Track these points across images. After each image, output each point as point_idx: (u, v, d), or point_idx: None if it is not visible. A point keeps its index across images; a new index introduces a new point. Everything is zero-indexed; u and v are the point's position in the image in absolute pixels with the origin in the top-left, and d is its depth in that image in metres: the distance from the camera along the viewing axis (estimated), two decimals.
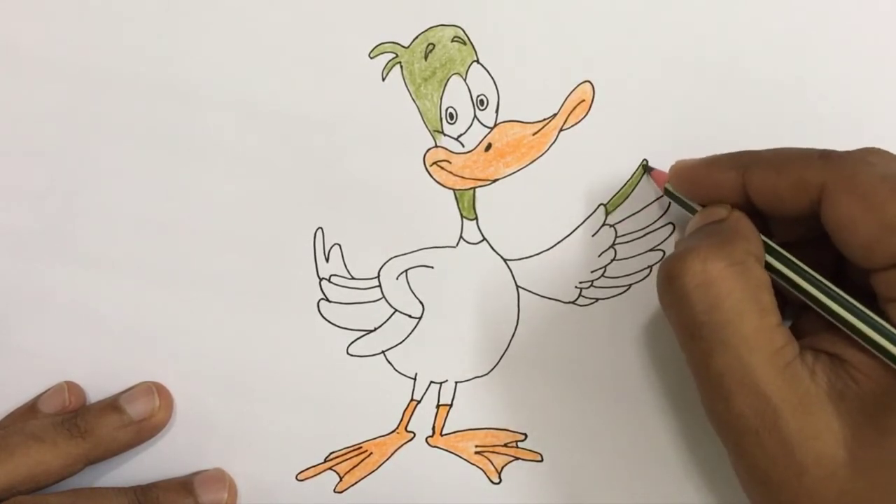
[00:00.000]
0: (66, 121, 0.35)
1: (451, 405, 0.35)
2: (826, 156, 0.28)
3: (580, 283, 0.35)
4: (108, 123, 0.35)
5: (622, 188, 0.34)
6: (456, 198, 0.34)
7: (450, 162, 0.34)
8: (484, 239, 0.35)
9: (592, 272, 0.34)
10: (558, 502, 0.35)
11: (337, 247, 0.35)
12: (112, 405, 0.34)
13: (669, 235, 0.34)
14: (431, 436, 0.35)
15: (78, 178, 0.35)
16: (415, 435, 0.35)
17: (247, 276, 0.35)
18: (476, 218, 0.35)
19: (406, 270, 0.35)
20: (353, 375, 0.35)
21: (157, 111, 0.35)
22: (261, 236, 0.35)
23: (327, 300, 0.35)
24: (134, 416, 0.34)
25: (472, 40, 0.34)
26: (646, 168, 0.34)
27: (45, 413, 0.35)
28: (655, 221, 0.34)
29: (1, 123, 0.35)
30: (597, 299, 0.35)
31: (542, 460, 0.35)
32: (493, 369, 0.35)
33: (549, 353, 0.35)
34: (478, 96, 0.34)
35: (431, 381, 0.35)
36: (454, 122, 0.34)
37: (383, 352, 0.35)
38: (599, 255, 0.34)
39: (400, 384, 0.35)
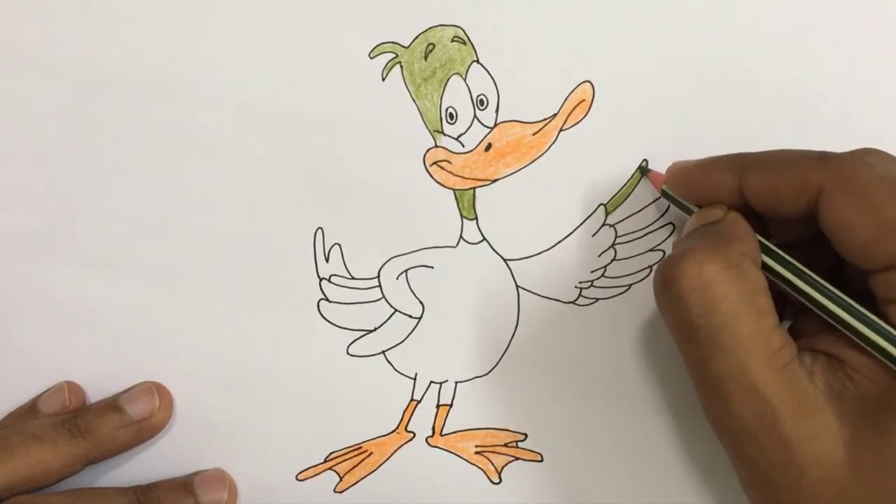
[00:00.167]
0: (66, 121, 0.35)
1: (451, 405, 0.35)
2: (824, 157, 0.28)
3: (580, 283, 0.35)
4: (108, 123, 0.35)
5: (622, 188, 0.34)
6: (456, 198, 0.34)
7: (450, 162, 0.34)
8: (484, 239, 0.35)
9: (592, 272, 0.34)
10: (558, 502, 0.35)
11: (337, 247, 0.35)
12: (112, 405, 0.34)
13: (669, 236, 0.34)
14: (431, 436, 0.35)
15: (78, 178, 0.35)
16: (415, 435, 0.35)
17: (247, 276, 0.35)
18: (476, 218, 0.35)
19: (406, 270, 0.35)
20: (353, 375, 0.35)
21: (157, 111, 0.35)
22: (261, 236, 0.35)
23: (327, 300, 0.35)
24: (134, 416, 0.34)
25: (472, 40, 0.34)
26: (643, 170, 0.34)
27: (45, 413, 0.35)
28: (655, 221, 0.34)
29: (1, 123, 0.35)
30: (597, 299, 0.35)
31: (542, 460, 0.35)
32: (493, 369, 0.35)
33: (549, 353, 0.35)
34: (478, 96, 0.34)
35: (431, 381, 0.35)
36: (454, 122, 0.34)
37: (383, 352, 0.35)
38: (599, 255, 0.34)
39: (400, 384, 0.35)
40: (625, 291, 0.34)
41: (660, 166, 0.34)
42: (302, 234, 0.35)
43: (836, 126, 0.33)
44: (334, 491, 0.35)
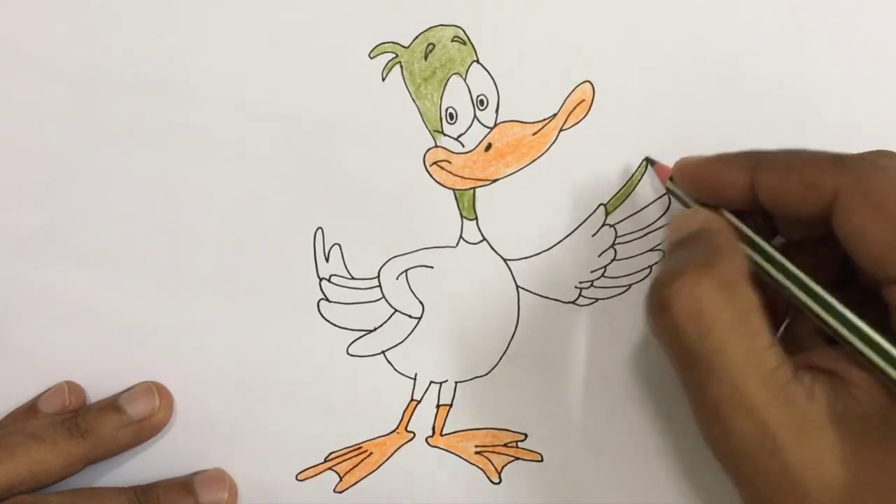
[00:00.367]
0: (66, 121, 0.35)
1: (451, 405, 0.35)
2: (839, 160, 0.27)
3: (580, 283, 0.35)
4: (108, 123, 0.35)
5: (622, 188, 0.34)
6: (456, 198, 0.34)
7: (450, 162, 0.34)
8: (484, 239, 0.35)
9: (592, 272, 0.34)
10: (558, 502, 0.35)
11: (337, 247, 0.35)
12: (112, 405, 0.34)
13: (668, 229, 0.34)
14: (431, 436, 0.35)
15: (78, 178, 0.35)
16: (415, 435, 0.35)
17: (247, 276, 0.35)
18: (476, 218, 0.35)
19: (406, 270, 0.35)
20: (353, 375, 0.35)
21: (157, 111, 0.35)
22: (261, 236, 0.35)
23: (327, 300, 0.35)
24: (134, 416, 0.34)
25: (472, 40, 0.34)
26: (649, 161, 0.33)
27: (45, 413, 0.35)
28: (655, 221, 0.34)
29: (1, 123, 0.35)
30: (597, 299, 0.35)
31: (542, 460, 0.35)
32: (493, 369, 0.35)
33: (549, 353, 0.35)
34: (478, 96, 0.34)
35: (431, 381, 0.35)
36: (454, 122, 0.34)
37: (383, 352, 0.35)
38: (599, 255, 0.34)
39: (400, 384, 0.35)
40: (625, 291, 0.34)
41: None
42: (302, 234, 0.35)
43: (836, 126, 0.33)
44: (334, 491, 0.35)
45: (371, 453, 0.35)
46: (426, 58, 0.34)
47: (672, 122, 0.34)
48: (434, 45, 0.34)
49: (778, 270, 0.28)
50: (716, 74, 0.34)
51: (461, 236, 0.35)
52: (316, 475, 0.35)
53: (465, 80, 0.34)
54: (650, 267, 0.34)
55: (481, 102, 0.34)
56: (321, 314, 0.35)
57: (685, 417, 0.34)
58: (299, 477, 0.35)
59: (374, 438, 0.35)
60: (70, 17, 0.35)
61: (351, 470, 0.35)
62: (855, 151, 0.33)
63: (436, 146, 0.34)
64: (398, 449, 0.35)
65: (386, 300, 0.35)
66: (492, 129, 0.34)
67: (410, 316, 0.35)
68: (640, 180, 0.34)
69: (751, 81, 0.34)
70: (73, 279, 0.35)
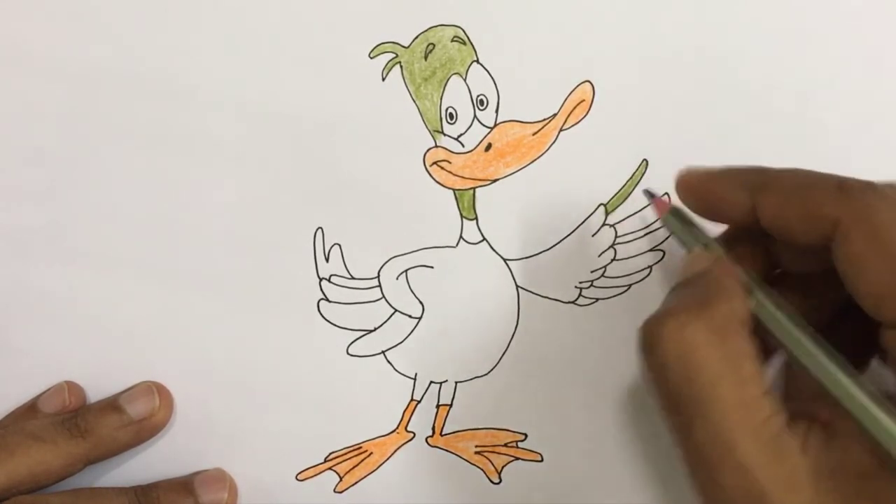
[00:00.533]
0: (66, 121, 0.35)
1: (450, 405, 0.35)
2: (843, 187, 0.26)
3: (580, 283, 0.35)
4: (108, 123, 0.35)
5: (622, 188, 0.34)
6: (456, 198, 0.34)
7: (450, 162, 0.34)
8: (484, 239, 0.35)
9: (592, 272, 0.34)
10: (558, 502, 0.35)
11: (337, 247, 0.35)
12: (112, 405, 0.34)
13: (669, 235, 0.34)
14: (431, 436, 0.35)
15: (78, 178, 0.35)
16: (415, 435, 0.35)
17: (247, 276, 0.35)
18: (476, 218, 0.35)
19: (406, 270, 0.35)
20: (353, 375, 0.35)
21: (157, 111, 0.35)
22: (261, 236, 0.35)
23: (327, 300, 0.35)
24: (134, 416, 0.34)
25: (472, 40, 0.34)
26: (648, 194, 0.32)
27: (45, 413, 0.35)
28: (655, 221, 0.34)
29: (1, 123, 0.35)
30: (597, 299, 0.35)
31: (542, 460, 0.35)
32: (493, 369, 0.35)
33: (549, 353, 0.35)
34: (478, 96, 0.34)
35: (431, 381, 0.35)
36: (454, 122, 0.34)
37: (383, 352, 0.35)
38: (599, 255, 0.34)
39: (400, 384, 0.35)
40: (625, 291, 0.34)
41: (659, 166, 0.34)
42: (302, 234, 0.35)
43: (836, 125, 0.33)
44: (334, 491, 0.35)
45: (371, 453, 0.35)
46: (426, 58, 0.34)
47: (672, 122, 0.34)
48: (434, 45, 0.34)
49: (772, 320, 0.27)
50: (716, 74, 0.34)
51: (461, 236, 0.35)
52: (316, 475, 0.35)
53: (465, 80, 0.34)
54: (650, 267, 0.34)
55: (481, 102, 0.34)
56: (321, 314, 0.35)
57: None
58: (299, 477, 0.35)
59: (374, 438, 0.35)
60: (70, 17, 0.35)
61: (351, 470, 0.35)
62: (854, 152, 0.34)
63: (436, 146, 0.34)
64: (398, 449, 0.35)
65: (386, 300, 0.35)
66: (492, 129, 0.34)
67: (410, 316, 0.35)
68: (640, 180, 0.34)
69: (751, 81, 0.34)
70: (73, 279, 0.35)
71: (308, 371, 0.35)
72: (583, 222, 0.34)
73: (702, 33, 0.34)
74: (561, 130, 0.34)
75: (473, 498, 0.35)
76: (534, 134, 0.34)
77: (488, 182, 0.34)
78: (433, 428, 0.35)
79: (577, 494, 0.35)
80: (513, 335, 0.35)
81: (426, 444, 0.35)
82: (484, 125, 0.34)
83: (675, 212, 0.30)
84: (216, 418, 0.35)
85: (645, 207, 0.34)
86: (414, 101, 0.34)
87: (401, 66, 0.34)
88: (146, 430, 0.35)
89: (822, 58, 0.33)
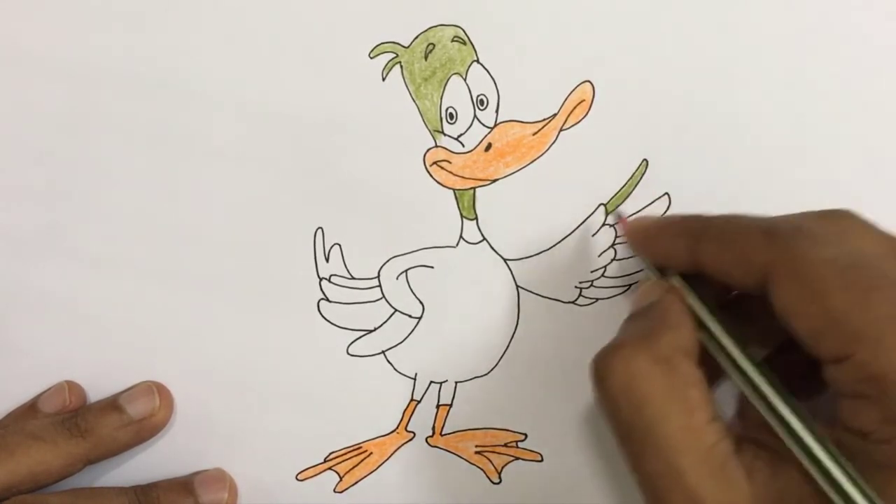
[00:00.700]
0: (66, 121, 0.35)
1: (450, 405, 0.35)
2: (770, 233, 0.26)
3: (580, 283, 0.35)
4: (108, 123, 0.35)
5: (622, 188, 0.34)
6: (456, 198, 0.34)
7: (450, 162, 0.34)
8: (484, 239, 0.35)
9: (592, 272, 0.34)
10: (558, 502, 0.35)
11: (337, 247, 0.35)
12: (112, 405, 0.34)
13: None
14: (431, 436, 0.35)
15: (78, 178, 0.35)
16: (415, 435, 0.35)
17: (247, 276, 0.35)
18: (476, 218, 0.35)
19: (406, 270, 0.35)
20: (353, 375, 0.35)
21: (157, 111, 0.35)
22: (261, 236, 0.35)
23: (327, 300, 0.35)
24: (134, 416, 0.34)
25: (472, 40, 0.34)
26: (617, 217, 0.33)
27: (45, 413, 0.35)
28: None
29: (1, 123, 0.35)
30: (597, 299, 0.35)
31: (542, 460, 0.35)
32: (493, 369, 0.35)
33: (549, 353, 0.35)
34: (478, 96, 0.34)
35: (431, 381, 0.35)
36: (454, 122, 0.34)
37: (383, 352, 0.35)
38: (599, 255, 0.34)
39: (400, 384, 0.35)
40: (625, 291, 0.34)
41: (659, 166, 0.34)
42: (302, 234, 0.35)
43: (836, 126, 0.33)
44: (334, 491, 0.35)
45: (371, 453, 0.35)
46: (426, 58, 0.34)
47: (672, 122, 0.34)
48: (434, 45, 0.34)
49: (717, 350, 0.28)
50: (716, 74, 0.34)
51: (461, 236, 0.35)
52: (316, 475, 0.35)
53: (465, 79, 0.34)
54: None
55: (481, 102, 0.34)
56: (321, 314, 0.35)
57: None
58: (299, 477, 0.35)
59: (374, 438, 0.35)
60: (70, 17, 0.35)
61: (351, 470, 0.35)
62: (854, 153, 0.34)
63: (436, 146, 0.34)
64: (398, 449, 0.35)
65: (386, 300, 0.35)
66: (492, 128, 0.34)
67: (410, 316, 0.35)
68: (640, 180, 0.34)
69: (751, 81, 0.33)
70: (74, 279, 0.35)
71: (308, 371, 0.35)
72: (583, 222, 0.34)
73: (702, 33, 0.33)
74: (561, 130, 0.34)
75: (473, 498, 0.35)
76: (534, 134, 0.34)
77: (488, 182, 0.34)
78: (433, 428, 0.35)
79: (577, 494, 0.35)
80: (513, 335, 0.35)
81: (426, 444, 0.35)
82: (484, 125, 0.34)
83: None
84: (216, 418, 0.35)
85: (645, 207, 0.34)
86: (414, 101, 0.34)
87: (401, 66, 0.34)
88: (146, 429, 0.35)
89: (823, 58, 0.33)
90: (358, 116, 0.34)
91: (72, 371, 0.36)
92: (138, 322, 0.35)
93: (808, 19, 0.33)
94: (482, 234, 0.35)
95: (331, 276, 0.35)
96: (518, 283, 0.35)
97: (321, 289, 0.35)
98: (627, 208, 0.34)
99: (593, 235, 0.34)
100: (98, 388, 0.35)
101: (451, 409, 0.35)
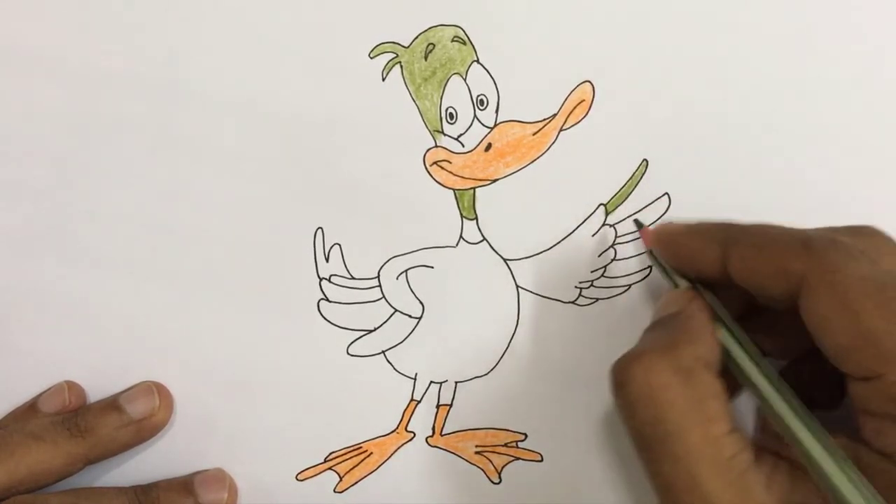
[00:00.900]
0: (66, 121, 0.35)
1: (451, 405, 0.35)
2: (807, 244, 0.26)
3: (580, 283, 0.35)
4: (108, 123, 0.35)
5: (622, 188, 0.34)
6: (456, 198, 0.34)
7: (450, 162, 0.34)
8: (484, 239, 0.35)
9: (592, 272, 0.34)
10: (558, 502, 0.35)
11: (337, 247, 0.35)
12: (112, 405, 0.34)
13: None
14: (431, 436, 0.35)
15: (78, 178, 0.35)
16: (415, 435, 0.35)
17: (247, 276, 0.35)
18: (476, 218, 0.35)
19: (406, 270, 0.35)
20: (353, 375, 0.35)
21: (157, 111, 0.35)
22: (261, 236, 0.35)
23: (327, 300, 0.35)
24: (134, 416, 0.34)
25: (472, 40, 0.34)
26: (637, 224, 0.33)
27: (45, 412, 0.35)
28: (655, 221, 0.34)
29: (1, 123, 0.35)
30: (597, 299, 0.35)
31: (542, 460, 0.35)
32: (493, 369, 0.35)
33: (549, 353, 0.35)
34: (478, 96, 0.34)
35: (431, 381, 0.35)
36: (454, 122, 0.34)
37: (383, 352, 0.35)
38: (599, 255, 0.34)
39: (400, 384, 0.35)
40: (625, 291, 0.34)
41: (659, 166, 0.34)
42: (302, 234, 0.35)
43: (836, 126, 0.33)
44: (334, 491, 0.35)
45: (371, 453, 0.35)
46: (426, 58, 0.34)
47: (672, 122, 0.34)
48: (434, 45, 0.34)
49: (736, 362, 0.28)
50: (716, 74, 0.34)
51: (461, 236, 0.35)
52: (316, 475, 0.35)
53: (465, 80, 0.34)
54: (650, 267, 0.34)
55: (481, 102, 0.34)
56: (321, 314, 0.35)
57: None
58: (299, 477, 0.35)
59: (374, 438, 0.35)
60: (70, 17, 0.35)
61: (351, 470, 0.35)
62: (853, 153, 0.34)
63: (436, 146, 0.34)
64: (398, 449, 0.35)
65: (386, 300, 0.35)
66: (492, 128, 0.34)
67: (410, 316, 0.35)
68: (640, 180, 0.34)
69: (751, 81, 0.34)
70: (74, 279, 0.35)
71: (308, 371, 0.35)
72: (583, 222, 0.34)
73: (702, 33, 0.34)
74: (561, 130, 0.34)
75: (473, 498, 0.35)
76: (534, 134, 0.34)
77: (488, 182, 0.34)
78: (433, 428, 0.35)
79: (577, 494, 0.35)
80: (513, 335, 0.35)
81: (426, 444, 0.35)
82: (484, 125, 0.34)
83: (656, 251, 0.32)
84: (216, 418, 0.35)
85: (645, 207, 0.34)
86: (414, 101, 0.34)
87: (401, 66, 0.34)
88: (146, 429, 0.35)
89: (823, 58, 0.33)
90: (358, 116, 0.34)
91: (72, 371, 0.36)
92: (138, 322, 0.35)
93: (808, 20, 0.33)
94: (482, 234, 0.35)
95: (331, 276, 0.35)
96: (518, 283, 0.35)
97: (321, 289, 0.35)
98: (627, 208, 0.34)
99: (593, 235, 0.34)
100: (98, 388, 0.35)
101: (451, 409, 0.35)
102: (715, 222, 0.30)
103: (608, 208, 0.34)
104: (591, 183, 0.34)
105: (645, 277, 0.34)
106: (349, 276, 0.35)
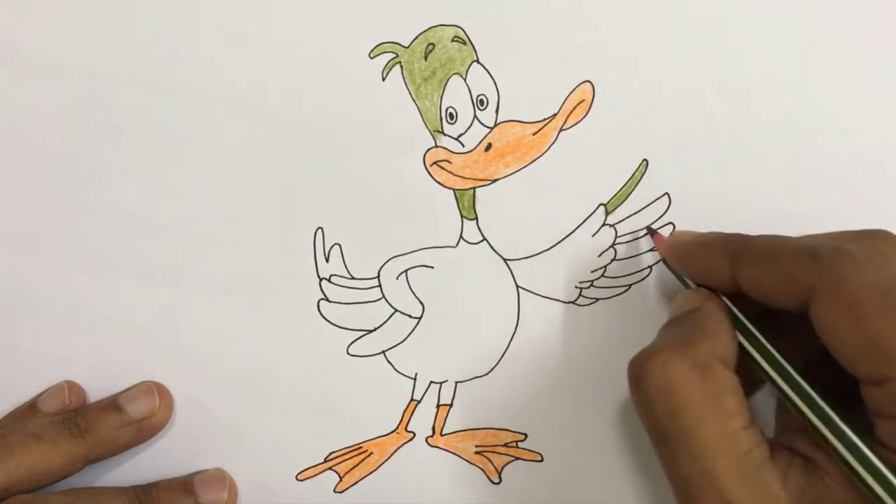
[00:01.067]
0: (66, 121, 0.35)
1: (451, 405, 0.35)
2: (814, 255, 0.27)
3: (580, 283, 0.35)
4: (109, 123, 0.35)
5: (622, 188, 0.34)
6: (456, 198, 0.34)
7: (450, 162, 0.34)
8: (484, 239, 0.35)
9: (592, 272, 0.34)
10: (558, 502, 0.35)
11: (337, 247, 0.35)
12: (112, 404, 0.34)
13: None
14: (431, 436, 0.35)
15: (78, 178, 0.35)
16: (415, 435, 0.35)
17: (247, 276, 0.35)
18: (476, 218, 0.35)
19: (406, 270, 0.35)
20: (353, 375, 0.35)
21: (157, 111, 0.35)
22: (261, 236, 0.35)
23: (327, 300, 0.35)
24: (134, 416, 0.34)
25: (472, 40, 0.34)
26: (650, 231, 0.34)
27: (45, 412, 0.35)
28: (655, 221, 0.34)
29: (1, 123, 0.35)
30: (597, 299, 0.35)
31: (542, 460, 0.35)
32: (493, 369, 0.35)
33: (549, 353, 0.35)
34: (478, 96, 0.34)
35: (431, 381, 0.35)
36: (454, 122, 0.34)
37: (383, 352, 0.35)
38: (599, 255, 0.34)
39: (400, 384, 0.35)
40: (625, 291, 0.34)
41: (659, 166, 0.34)
42: (302, 234, 0.35)
43: (836, 126, 0.33)
44: (334, 491, 0.35)
45: (371, 453, 0.35)
46: (426, 58, 0.34)
47: (672, 122, 0.34)
48: (434, 45, 0.34)
49: (757, 358, 0.28)
50: (716, 74, 0.34)
51: (461, 236, 0.35)
52: (316, 475, 0.35)
53: (465, 80, 0.34)
54: (650, 267, 0.34)
55: (481, 102, 0.34)
56: (321, 314, 0.35)
57: None
58: (299, 477, 0.35)
59: (374, 438, 0.35)
60: (70, 17, 0.35)
61: (351, 470, 0.35)
62: (853, 152, 0.34)
63: (436, 146, 0.34)
64: (398, 449, 0.35)
65: (386, 300, 0.35)
66: (492, 128, 0.34)
67: (410, 316, 0.35)
68: (640, 180, 0.34)
69: (751, 81, 0.34)
70: (74, 279, 0.35)
71: (308, 371, 0.35)
72: (583, 222, 0.34)
73: (702, 33, 0.34)
74: (561, 130, 0.34)
75: (473, 498, 0.35)
76: (534, 134, 0.34)
77: (488, 182, 0.34)
78: (433, 428, 0.35)
79: (577, 494, 0.35)
80: (513, 335, 0.35)
81: (426, 444, 0.35)
82: (484, 125, 0.34)
83: None
84: (216, 418, 0.35)
85: (645, 207, 0.34)
86: (414, 101, 0.34)
87: (401, 66, 0.34)
88: (146, 429, 0.35)
89: (823, 58, 0.33)
90: (358, 116, 0.34)
91: (72, 371, 0.36)
92: (138, 322, 0.35)
93: (808, 20, 0.33)
94: (482, 234, 0.35)
95: (331, 276, 0.35)
96: (518, 283, 0.35)
97: (321, 289, 0.35)
98: (627, 208, 0.34)
99: (593, 235, 0.34)
100: (98, 388, 0.35)
101: (451, 409, 0.35)
102: (722, 234, 0.30)
103: (608, 208, 0.34)
104: (591, 183, 0.34)
105: (645, 277, 0.34)
106: (349, 276, 0.35)
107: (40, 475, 0.33)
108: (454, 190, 0.34)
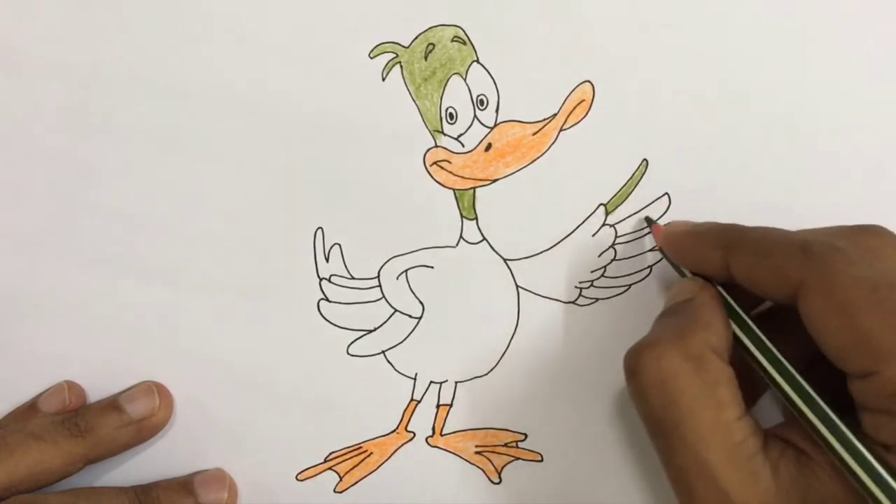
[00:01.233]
0: (67, 121, 0.35)
1: (451, 405, 0.35)
2: (805, 248, 0.27)
3: (580, 283, 0.35)
4: (109, 123, 0.35)
5: (622, 188, 0.34)
6: (456, 198, 0.34)
7: (450, 162, 0.34)
8: (484, 239, 0.35)
9: (592, 272, 0.34)
10: (558, 502, 0.35)
11: (337, 247, 0.35)
12: (112, 404, 0.34)
13: None
14: (431, 436, 0.35)
15: (78, 178, 0.35)
16: (415, 435, 0.35)
17: (247, 276, 0.35)
18: (476, 218, 0.35)
19: (406, 270, 0.35)
20: (353, 375, 0.35)
21: (157, 111, 0.35)
22: (261, 236, 0.35)
23: (327, 300, 0.35)
24: (134, 416, 0.34)
25: (472, 40, 0.34)
26: (649, 221, 0.34)
27: (45, 412, 0.35)
28: (656, 221, 0.34)
29: (1, 123, 0.35)
30: (597, 299, 0.35)
31: (542, 460, 0.35)
32: (493, 369, 0.35)
33: (549, 353, 0.35)
34: (478, 96, 0.34)
35: (431, 381, 0.35)
36: (454, 122, 0.34)
37: (383, 352, 0.35)
38: (599, 255, 0.34)
39: (400, 384, 0.35)
40: (625, 291, 0.34)
41: (659, 166, 0.34)
42: (302, 234, 0.35)
43: (835, 126, 0.33)
44: (334, 491, 0.35)
45: (371, 453, 0.35)
46: (426, 58, 0.34)
47: (672, 122, 0.34)
48: (434, 45, 0.34)
49: (754, 347, 0.28)
50: (715, 75, 0.34)
51: (461, 236, 0.35)
52: (316, 475, 0.35)
53: (465, 80, 0.34)
54: (650, 267, 0.34)
55: (481, 102, 0.34)
56: (321, 314, 0.35)
57: None
58: (299, 477, 0.35)
59: (374, 438, 0.35)
60: (70, 17, 0.35)
61: (351, 470, 0.35)
62: (853, 152, 0.34)
63: (436, 146, 0.34)
64: (398, 449, 0.35)
65: (386, 300, 0.35)
66: (492, 128, 0.34)
67: (410, 316, 0.35)
68: (640, 180, 0.34)
69: (750, 81, 0.34)
70: (74, 279, 0.35)
71: (308, 371, 0.35)
72: (583, 222, 0.34)
73: (702, 33, 0.34)
74: (561, 130, 0.34)
75: (473, 498, 0.35)
76: (534, 134, 0.34)
77: (488, 182, 0.34)
78: (433, 428, 0.35)
79: (577, 494, 0.35)
80: (513, 335, 0.35)
81: (426, 444, 0.35)
82: (484, 125, 0.34)
83: None
84: (216, 418, 0.35)
85: (645, 207, 0.34)
86: (414, 101, 0.34)
87: (401, 66, 0.34)
88: (146, 429, 0.35)
89: (822, 59, 0.33)
90: (358, 116, 0.34)
91: (72, 371, 0.36)
92: (138, 322, 0.35)
93: (808, 20, 0.33)
94: (482, 234, 0.35)
95: (331, 276, 0.35)
96: (518, 283, 0.35)
97: (321, 289, 0.35)
98: (627, 208, 0.34)
99: (593, 235, 0.34)
100: (98, 388, 0.35)
101: (451, 409, 0.35)
102: (716, 225, 0.30)
103: (608, 208, 0.34)
104: (591, 183, 0.34)
105: (645, 277, 0.34)
106: (349, 276, 0.35)
107: (40, 475, 0.33)
108: (454, 190, 0.34)
